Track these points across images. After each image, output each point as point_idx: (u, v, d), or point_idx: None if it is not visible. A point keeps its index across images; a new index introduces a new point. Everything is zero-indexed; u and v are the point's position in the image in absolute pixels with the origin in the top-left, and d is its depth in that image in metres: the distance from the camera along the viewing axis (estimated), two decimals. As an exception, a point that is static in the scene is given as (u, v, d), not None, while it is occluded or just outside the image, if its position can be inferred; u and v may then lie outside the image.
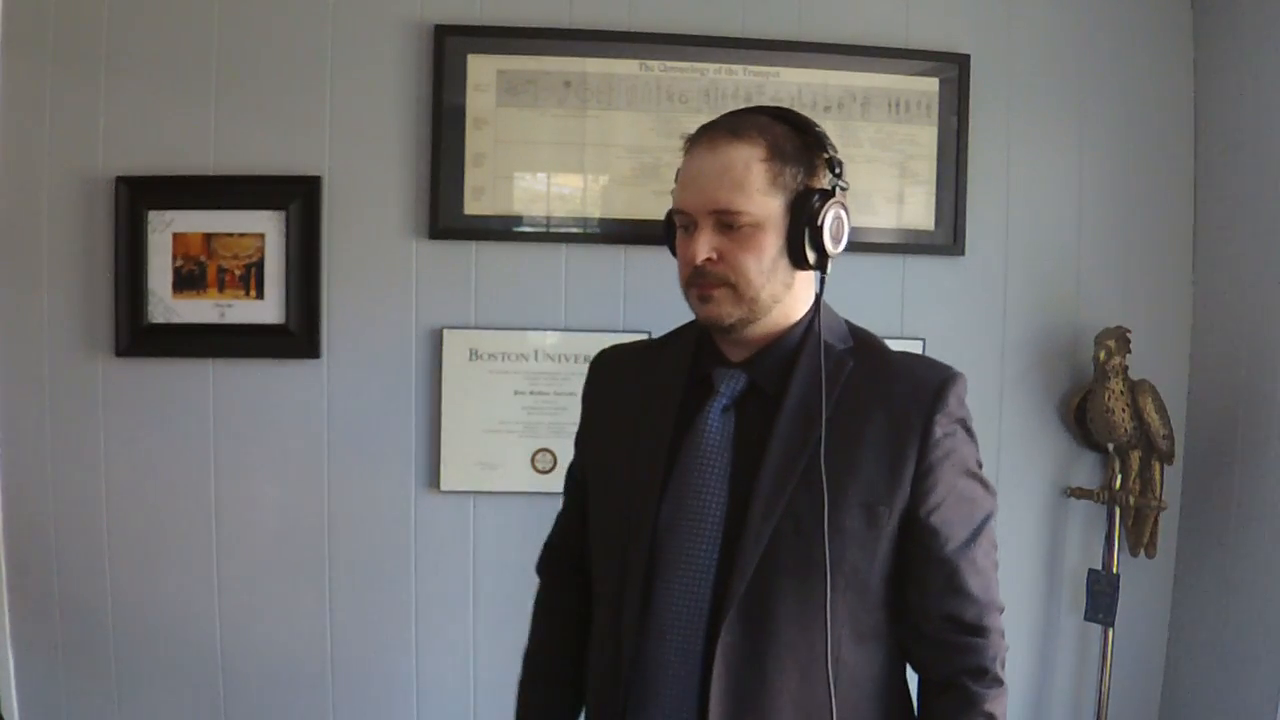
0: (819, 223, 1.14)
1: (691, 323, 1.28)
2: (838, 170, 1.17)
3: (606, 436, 1.24)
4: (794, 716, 1.14)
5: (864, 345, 1.23)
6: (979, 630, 1.18)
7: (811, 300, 1.21)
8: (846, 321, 1.25)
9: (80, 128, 2.08)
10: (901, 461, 1.15)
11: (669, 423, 1.20)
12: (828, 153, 1.17)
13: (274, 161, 2.10)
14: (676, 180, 1.21)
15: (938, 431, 1.16)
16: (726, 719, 1.12)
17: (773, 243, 1.14)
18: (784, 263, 1.16)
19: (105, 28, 2.08)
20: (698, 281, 1.15)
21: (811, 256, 1.14)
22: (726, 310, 1.15)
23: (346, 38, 2.12)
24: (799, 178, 1.15)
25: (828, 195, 1.15)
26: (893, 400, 1.17)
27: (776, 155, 1.14)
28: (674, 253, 1.23)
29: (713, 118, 1.23)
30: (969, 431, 1.21)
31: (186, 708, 2.14)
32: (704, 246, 1.14)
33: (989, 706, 1.17)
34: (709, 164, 1.14)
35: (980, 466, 1.23)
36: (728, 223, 1.13)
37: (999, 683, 1.19)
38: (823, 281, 1.19)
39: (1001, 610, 1.22)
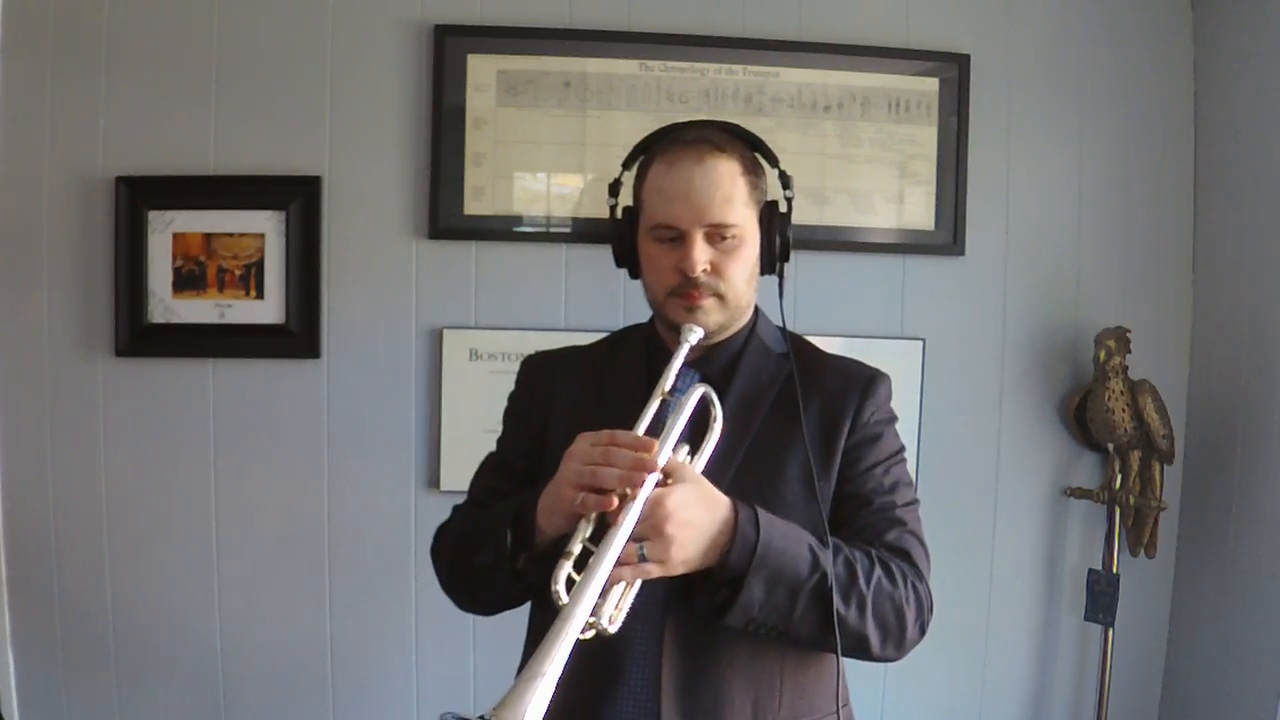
0: (787, 233, 1.26)
1: (636, 326, 1.36)
2: (789, 183, 1.28)
3: (566, 438, 1.24)
4: (744, 687, 1.17)
5: (799, 348, 1.30)
6: (919, 575, 1.19)
7: (754, 305, 1.31)
8: (780, 327, 1.32)
9: (80, 128, 2.08)
10: (835, 437, 1.23)
11: (634, 422, 1.22)
12: (778, 166, 1.29)
13: (274, 161, 2.11)
14: (635, 191, 1.26)
15: (867, 414, 1.24)
16: (679, 692, 1.15)
17: (752, 253, 1.24)
18: (756, 270, 1.26)
19: (105, 28, 2.09)
20: (687, 291, 1.20)
21: (777, 265, 1.26)
22: (714, 319, 1.23)
23: (346, 38, 2.12)
24: (763, 190, 1.26)
25: (789, 208, 1.27)
26: (827, 389, 1.25)
27: (750, 169, 1.23)
28: (619, 262, 1.30)
29: (713, 118, 1.30)
30: (895, 428, 1.28)
31: (186, 708, 2.14)
32: (702, 258, 1.19)
33: (910, 573, 1.17)
34: (699, 178, 1.19)
35: (904, 459, 1.28)
36: (717, 235, 1.20)
37: (921, 605, 1.17)
38: (781, 286, 1.28)
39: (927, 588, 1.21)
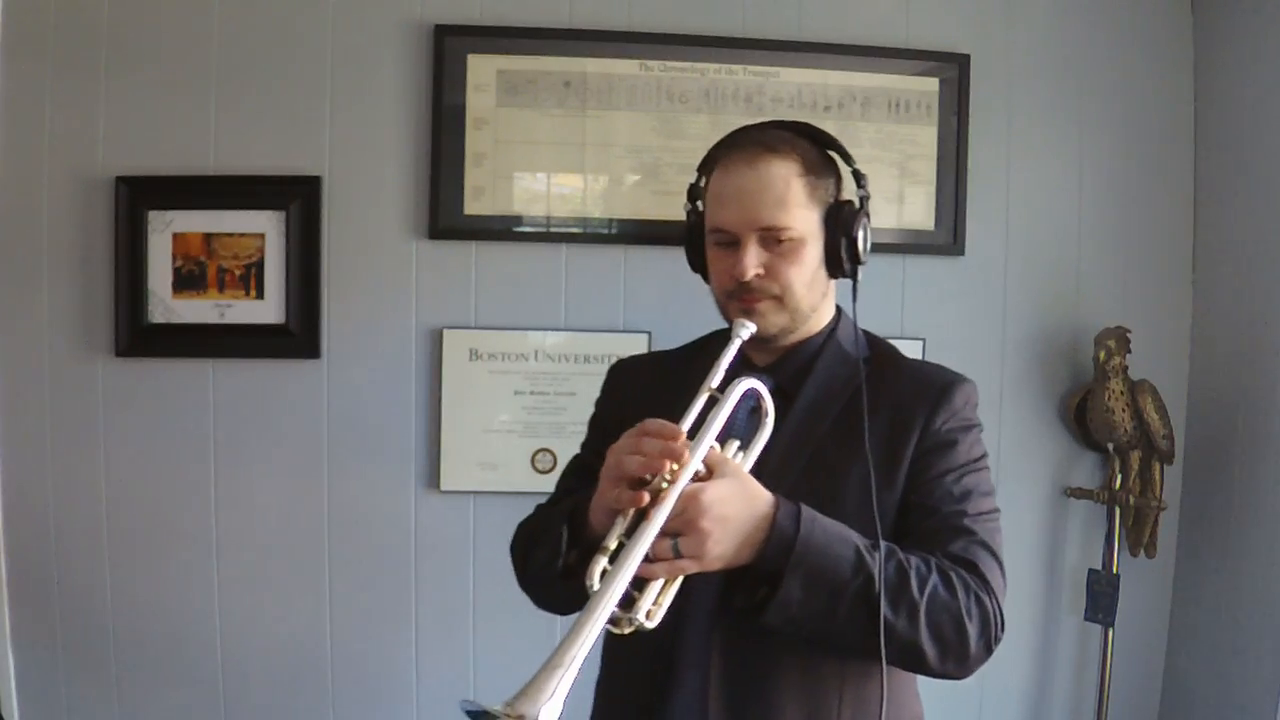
0: (854, 234, 1.22)
1: (717, 332, 1.32)
2: (863, 182, 1.26)
3: None
4: (798, 697, 1.15)
5: (880, 354, 1.28)
6: (988, 589, 1.13)
7: (834, 308, 1.29)
8: (865, 331, 1.30)
9: (80, 128, 2.08)
10: (902, 446, 1.18)
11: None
12: (853, 165, 1.26)
13: (274, 161, 2.10)
14: (701, 196, 1.25)
15: (939, 422, 1.19)
16: (728, 699, 1.14)
17: (814, 255, 1.21)
18: (822, 273, 1.23)
19: (105, 28, 2.08)
20: (743, 295, 1.19)
21: (847, 266, 1.23)
22: (771, 321, 1.20)
23: (346, 38, 2.12)
24: (830, 190, 1.23)
25: (859, 207, 1.23)
26: (899, 398, 1.21)
27: (810, 170, 1.21)
28: (693, 266, 1.29)
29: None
30: (976, 436, 1.23)
31: (186, 707, 2.13)
32: (753, 262, 1.18)
33: (975, 584, 1.11)
34: (750, 181, 1.18)
35: (984, 467, 1.22)
36: (772, 238, 1.18)
37: (987, 620, 1.11)
38: (855, 289, 1.25)
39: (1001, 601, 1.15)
